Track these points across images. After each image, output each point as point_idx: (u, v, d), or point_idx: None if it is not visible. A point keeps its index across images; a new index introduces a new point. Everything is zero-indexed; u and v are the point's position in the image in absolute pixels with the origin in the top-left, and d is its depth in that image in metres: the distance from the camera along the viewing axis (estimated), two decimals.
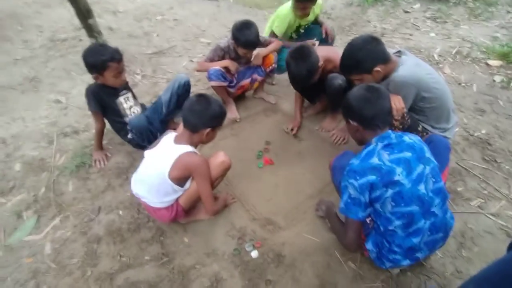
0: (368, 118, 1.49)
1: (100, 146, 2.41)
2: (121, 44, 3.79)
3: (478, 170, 2.30)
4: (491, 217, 1.98)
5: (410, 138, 1.50)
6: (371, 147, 1.47)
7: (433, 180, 1.46)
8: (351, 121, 1.56)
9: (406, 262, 1.52)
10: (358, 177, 1.41)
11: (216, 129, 1.82)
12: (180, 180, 1.74)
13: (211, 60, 2.72)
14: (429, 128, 2.01)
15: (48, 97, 3.11)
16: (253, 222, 1.99)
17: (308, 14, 2.90)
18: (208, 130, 1.73)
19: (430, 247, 1.52)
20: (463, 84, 3.26)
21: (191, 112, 1.72)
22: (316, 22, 3.24)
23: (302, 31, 3.16)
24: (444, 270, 1.72)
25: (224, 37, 2.98)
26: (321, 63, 2.28)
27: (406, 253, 1.49)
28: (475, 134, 2.61)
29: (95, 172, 2.34)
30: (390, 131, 1.49)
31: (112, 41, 4.02)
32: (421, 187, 1.41)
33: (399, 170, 1.38)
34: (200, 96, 1.78)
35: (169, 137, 1.80)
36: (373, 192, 1.40)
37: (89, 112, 2.27)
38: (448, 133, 2.05)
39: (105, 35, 3.87)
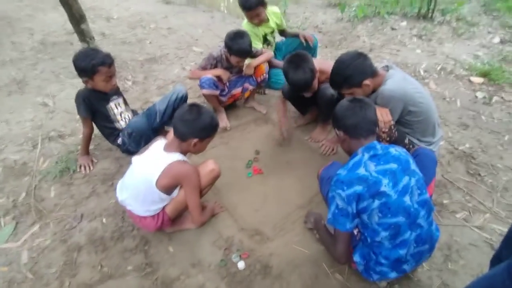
0: (352, 127, 1.52)
1: (86, 151, 2.36)
2: (113, 50, 3.78)
3: (462, 183, 2.32)
4: (476, 229, 1.99)
5: (396, 150, 1.52)
6: (357, 157, 1.49)
7: (418, 192, 1.47)
8: (337, 131, 1.60)
9: (393, 275, 1.51)
10: (345, 188, 1.41)
11: (205, 140, 1.78)
12: (168, 189, 1.71)
13: (204, 68, 2.73)
14: (415, 141, 2.04)
15: (35, 99, 3.05)
16: (240, 232, 1.96)
17: (264, 20, 2.94)
18: (195, 140, 1.70)
19: (416, 259, 1.51)
20: (447, 99, 3.33)
21: (181, 120, 1.69)
22: (291, 35, 3.33)
23: (271, 39, 3.18)
24: (431, 283, 1.71)
25: (217, 46, 3.00)
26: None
27: (393, 265, 1.48)
28: (460, 148, 2.65)
29: (79, 177, 2.28)
30: (376, 142, 1.51)
31: (104, 46, 4.01)
32: (407, 199, 1.42)
33: (385, 181, 1.39)
34: (193, 105, 1.75)
35: (158, 144, 1.77)
36: (360, 202, 1.41)
37: (77, 117, 2.24)
38: (433, 147, 2.08)
39: (98, 41, 3.86)
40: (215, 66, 2.74)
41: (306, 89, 2.33)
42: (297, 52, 2.33)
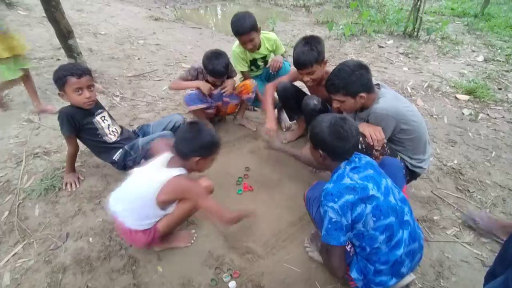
0: (340, 153, 1.55)
1: (72, 169, 2.31)
2: (101, 66, 3.76)
3: (452, 199, 2.35)
4: (466, 246, 2.01)
5: (365, 158, 1.61)
6: (340, 170, 1.54)
7: (397, 190, 1.57)
8: (321, 152, 1.60)
9: (392, 281, 1.51)
10: (336, 199, 1.43)
11: (208, 158, 1.77)
12: (165, 204, 1.68)
13: (185, 79, 2.74)
14: (406, 158, 2.06)
15: (20, 116, 2.99)
16: (231, 251, 1.92)
17: (257, 45, 2.81)
18: (197, 158, 1.69)
19: (410, 259, 1.53)
20: (435, 116, 3.40)
21: (182, 139, 1.70)
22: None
23: (260, 64, 3.05)
24: None
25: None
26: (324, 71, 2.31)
27: (391, 270, 1.49)
28: (448, 164, 2.69)
29: (65, 195, 2.21)
30: (354, 155, 1.58)
31: (92, 62, 3.98)
32: (391, 198, 1.50)
33: (370, 185, 1.46)
34: (193, 123, 1.75)
35: (162, 158, 1.76)
36: (354, 210, 1.43)
37: None
38: (424, 164, 2.10)
39: (85, 56, 3.83)
40: (196, 78, 2.76)
41: (306, 66, 2.24)
42: (313, 35, 2.32)
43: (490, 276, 1.29)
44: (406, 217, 1.52)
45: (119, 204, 1.70)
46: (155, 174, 1.67)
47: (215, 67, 2.56)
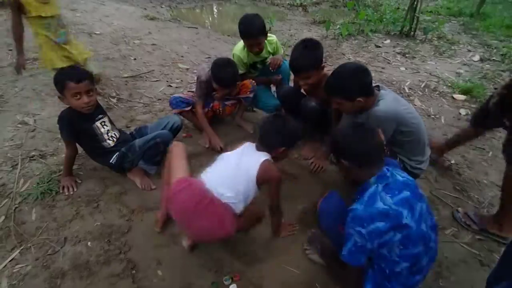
0: (361, 157, 1.47)
1: (69, 172, 2.28)
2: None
3: (450, 199, 2.36)
4: (465, 246, 2.02)
5: (401, 175, 1.48)
6: (372, 189, 1.42)
7: (430, 217, 1.46)
8: (344, 161, 1.53)
9: None
10: (365, 224, 1.34)
11: (291, 148, 1.84)
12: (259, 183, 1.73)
13: (201, 96, 2.72)
14: (406, 160, 2.06)
15: (15, 118, 2.95)
16: (231, 254, 1.90)
17: (262, 49, 2.78)
18: (282, 149, 1.77)
19: (424, 277, 1.51)
20: (432, 116, 3.42)
21: (268, 131, 1.76)
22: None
23: (259, 66, 3.04)
24: None
25: (202, 64, 2.96)
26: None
27: None
28: (446, 165, 2.69)
29: (62, 199, 2.19)
30: (385, 169, 1.47)
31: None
32: (423, 226, 1.39)
33: (405, 213, 1.35)
34: (277, 116, 1.82)
35: (248, 146, 1.82)
36: (382, 237, 1.35)
37: (59, 136, 2.15)
38: (423, 165, 2.10)
39: None
40: (206, 89, 2.71)
41: (302, 71, 2.25)
42: (313, 38, 2.31)
43: (493, 279, 1.29)
44: (431, 244, 1.44)
45: (223, 188, 1.65)
46: (253, 155, 1.74)
47: (224, 76, 2.51)
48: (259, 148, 1.78)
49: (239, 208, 1.68)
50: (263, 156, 1.72)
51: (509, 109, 2.02)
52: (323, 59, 2.27)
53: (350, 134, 1.50)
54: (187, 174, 1.74)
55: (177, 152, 1.85)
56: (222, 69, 2.50)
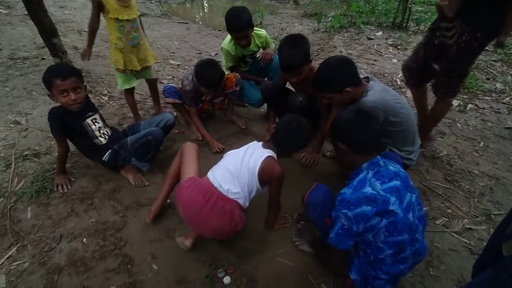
0: (358, 143, 1.48)
1: (63, 170, 2.30)
2: (87, 64, 3.70)
3: (441, 190, 2.39)
4: (455, 235, 2.05)
5: (393, 166, 1.51)
6: (362, 175, 1.45)
7: (418, 207, 1.49)
8: (340, 145, 1.56)
9: (388, 286, 1.53)
10: (352, 207, 1.37)
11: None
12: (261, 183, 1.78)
13: (191, 104, 2.77)
14: (395, 150, 2.07)
15: (6, 118, 2.94)
16: (225, 247, 1.94)
17: (250, 42, 2.78)
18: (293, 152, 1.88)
19: (410, 269, 1.55)
20: None
21: (285, 136, 1.80)
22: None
23: (249, 60, 3.04)
24: None
25: (185, 74, 2.92)
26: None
27: (391, 279, 1.49)
28: (437, 155, 2.73)
29: (57, 197, 2.21)
30: (379, 157, 1.49)
31: (78, 60, 3.92)
32: (410, 215, 1.42)
33: (392, 199, 1.37)
34: (293, 119, 1.83)
35: (255, 143, 1.87)
36: (368, 222, 1.37)
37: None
38: (413, 156, 2.13)
39: (70, 55, 3.77)
40: (194, 96, 2.74)
41: (294, 69, 2.26)
42: (297, 34, 2.33)
43: (479, 265, 1.33)
44: (418, 235, 1.46)
45: (228, 184, 1.72)
46: (258, 152, 1.79)
47: (210, 77, 2.51)
48: (265, 146, 1.83)
49: (245, 204, 1.75)
50: (267, 153, 1.77)
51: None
52: (310, 54, 2.28)
53: (352, 119, 1.51)
54: (196, 174, 1.79)
55: (190, 151, 1.90)
56: (206, 71, 2.51)
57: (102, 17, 2.53)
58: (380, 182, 1.41)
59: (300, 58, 2.19)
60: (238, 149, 1.86)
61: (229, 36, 2.81)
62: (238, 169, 1.73)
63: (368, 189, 1.39)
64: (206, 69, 2.51)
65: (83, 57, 2.70)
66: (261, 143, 1.86)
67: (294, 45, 2.18)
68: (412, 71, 2.59)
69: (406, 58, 2.65)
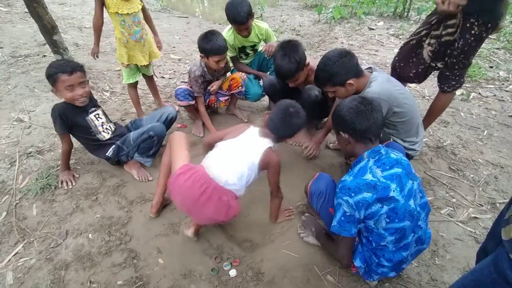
0: (361, 131, 1.48)
1: (67, 166, 2.30)
2: (88, 60, 3.70)
3: (445, 179, 2.39)
4: (460, 224, 2.06)
5: (395, 154, 1.51)
6: (363, 163, 1.47)
7: (420, 195, 1.49)
8: (342, 133, 1.56)
9: (393, 274, 1.54)
10: (353, 194, 1.39)
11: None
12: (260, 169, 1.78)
13: (199, 91, 2.75)
14: (399, 141, 2.07)
15: (9, 115, 2.95)
16: (230, 240, 1.95)
17: (250, 32, 2.80)
18: (288, 137, 1.86)
19: (414, 257, 1.57)
20: (427, 97, 3.42)
21: (281, 123, 1.77)
22: None
23: (250, 52, 3.04)
24: (420, 279, 1.75)
25: (193, 62, 2.93)
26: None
27: (394, 266, 1.51)
28: (441, 145, 2.72)
29: (61, 193, 2.22)
30: (380, 145, 1.50)
31: (79, 57, 3.92)
32: (411, 202, 1.42)
33: (393, 186, 1.38)
34: (289, 107, 1.80)
35: (253, 131, 1.85)
36: (369, 208, 1.39)
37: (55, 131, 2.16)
38: (417, 146, 2.12)
39: (71, 51, 3.76)
40: (203, 83, 2.74)
41: (288, 78, 2.30)
42: (290, 40, 2.32)
43: (482, 252, 1.33)
44: (420, 222, 1.48)
45: (225, 175, 1.68)
46: (256, 142, 1.78)
47: (216, 43, 2.47)
48: (262, 134, 1.81)
49: (240, 193, 1.74)
50: (267, 144, 1.76)
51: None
52: (306, 59, 2.29)
53: (354, 108, 1.50)
54: (189, 161, 1.74)
55: (178, 140, 1.85)
56: (211, 38, 2.46)
57: (106, 14, 2.53)
58: (381, 169, 1.42)
59: (293, 67, 2.21)
60: (234, 139, 1.81)
61: (229, 26, 2.83)
62: (236, 160, 1.72)
63: (368, 176, 1.40)
64: (208, 38, 2.48)
65: (93, 54, 2.75)
66: (257, 130, 1.83)
67: (286, 54, 2.20)
68: (404, 74, 2.49)
69: (395, 58, 2.54)
